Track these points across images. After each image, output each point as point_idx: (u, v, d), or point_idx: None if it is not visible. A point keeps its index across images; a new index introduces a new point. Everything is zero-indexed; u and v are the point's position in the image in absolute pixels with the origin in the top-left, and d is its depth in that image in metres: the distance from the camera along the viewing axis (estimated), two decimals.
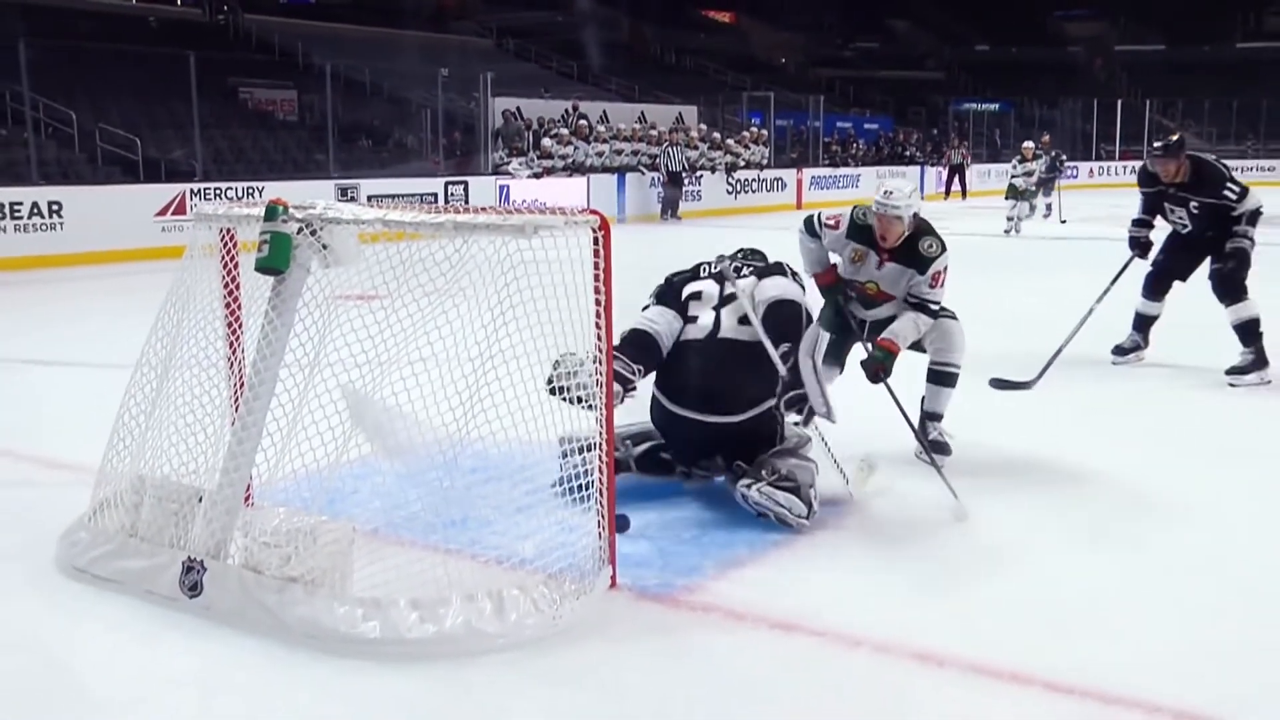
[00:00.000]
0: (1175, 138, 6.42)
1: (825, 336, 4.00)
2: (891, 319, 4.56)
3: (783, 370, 3.94)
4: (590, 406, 3.28)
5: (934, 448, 4.52)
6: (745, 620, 3.14)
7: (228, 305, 3.51)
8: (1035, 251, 14.10)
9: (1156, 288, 6.58)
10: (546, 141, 18.48)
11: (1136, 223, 6.47)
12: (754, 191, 21.52)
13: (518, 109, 20.35)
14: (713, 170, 20.58)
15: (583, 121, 19.90)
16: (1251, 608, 3.28)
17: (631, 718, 2.68)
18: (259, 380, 3.23)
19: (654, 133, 20.50)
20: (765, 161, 22.45)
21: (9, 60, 13.51)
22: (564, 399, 3.38)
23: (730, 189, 20.95)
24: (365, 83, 21.15)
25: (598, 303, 3.15)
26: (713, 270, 4.25)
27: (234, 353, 3.51)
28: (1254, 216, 6.14)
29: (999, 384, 5.51)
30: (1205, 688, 2.75)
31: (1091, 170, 30.24)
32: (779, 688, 2.79)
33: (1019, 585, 3.42)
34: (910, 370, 4.69)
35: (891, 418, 4.42)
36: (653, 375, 4.06)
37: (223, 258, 3.53)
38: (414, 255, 3.21)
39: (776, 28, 42.36)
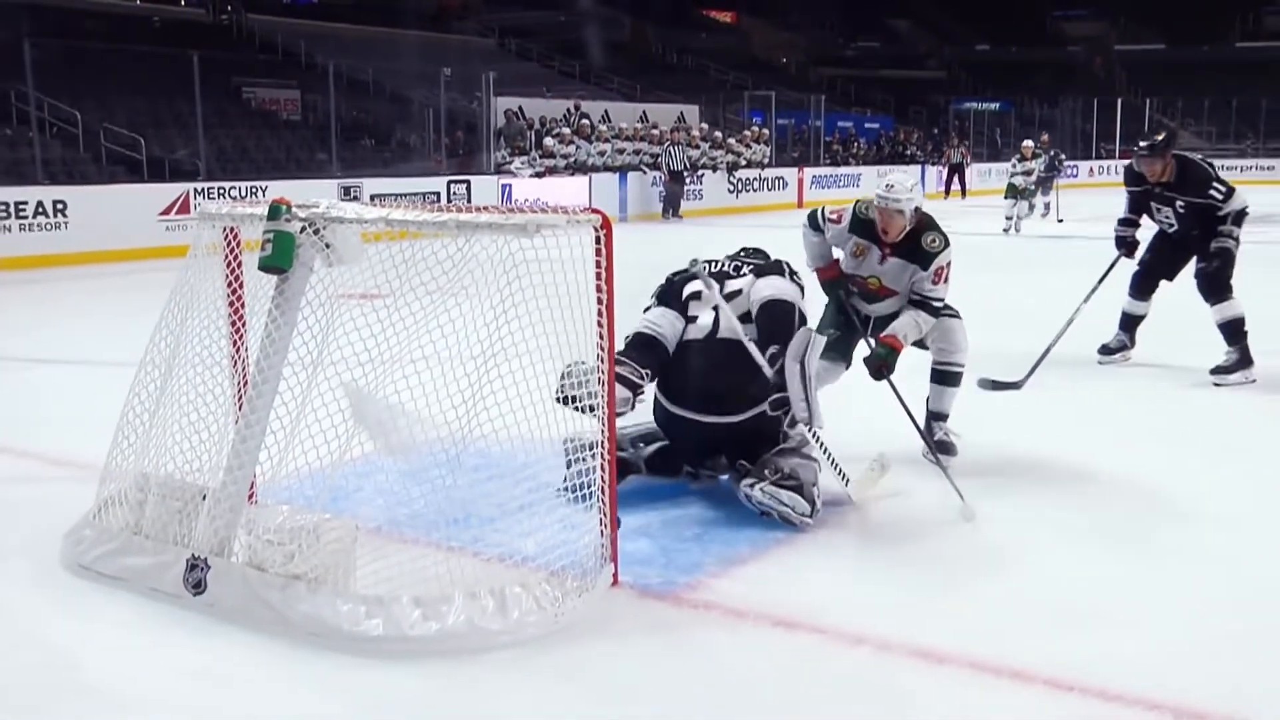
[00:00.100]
0: (1160, 137, 6.40)
1: (819, 341, 3.94)
2: (895, 315, 4.52)
3: (769, 372, 3.90)
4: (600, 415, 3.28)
5: (940, 448, 4.48)
6: (747, 618, 3.15)
7: (231, 304, 3.52)
8: (1035, 250, 14.09)
9: (1143, 287, 6.57)
10: (549, 141, 18.51)
11: (1123, 222, 6.46)
12: (755, 190, 21.54)
13: (520, 108, 20.40)
14: (714, 169, 20.59)
15: (585, 121, 19.93)
16: (1253, 605, 3.28)
17: (633, 715, 2.68)
18: (262, 378, 3.24)
19: (656, 132, 20.54)
20: (766, 160, 22.46)
21: (14, 60, 13.56)
22: (575, 408, 3.38)
23: (732, 188, 20.96)
24: (368, 82, 21.20)
25: (600, 301, 3.17)
26: (711, 270, 4.24)
27: (237, 351, 3.52)
28: (1239, 216, 6.13)
29: (987, 384, 5.48)
30: (1206, 685, 2.75)
31: (1091, 169, 30.23)
32: (780, 685, 2.80)
33: (1020, 583, 3.43)
34: (915, 369, 4.70)
35: (898, 416, 4.42)
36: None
37: (226, 257, 3.54)
38: (416, 254, 3.22)
39: (778, 27, 42.36)
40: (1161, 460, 4.71)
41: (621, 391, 3.76)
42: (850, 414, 4.49)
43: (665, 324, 4.11)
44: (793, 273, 4.28)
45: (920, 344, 4.62)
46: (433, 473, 3.26)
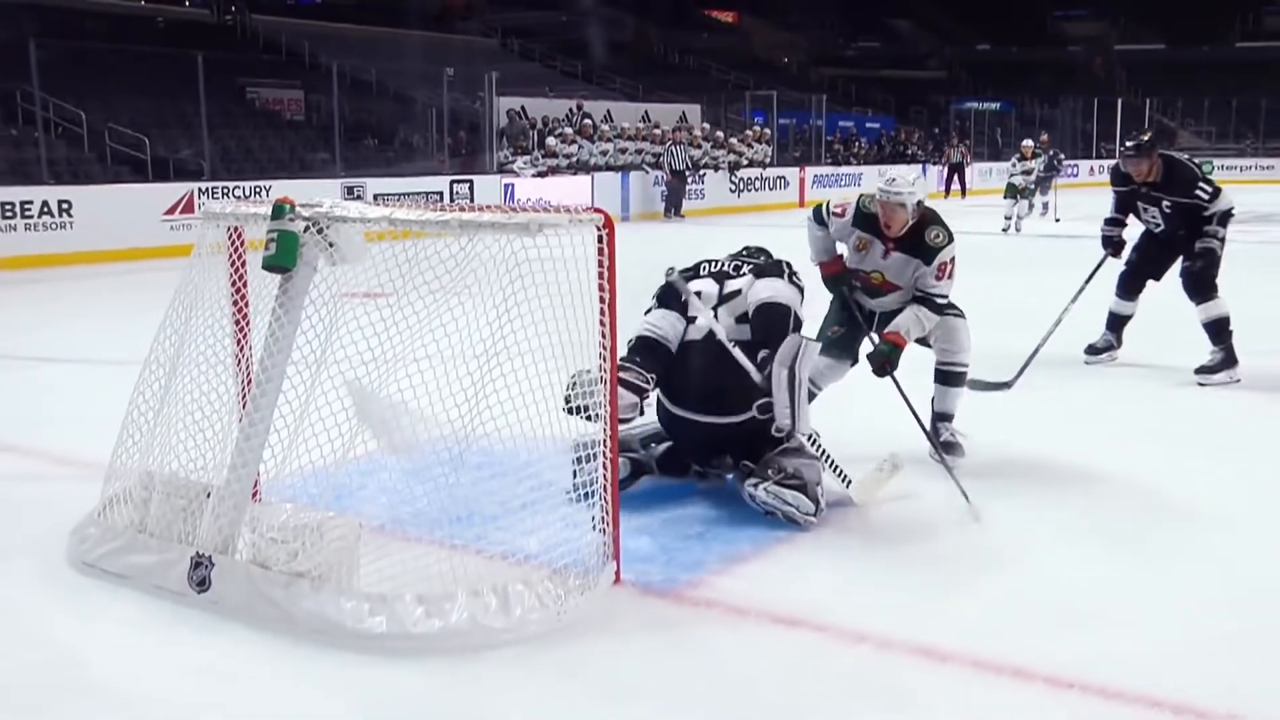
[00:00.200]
0: (1146, 137, 6.40)
1: (812, 348, 3.92)
2: (900, 310, 4.50)
3: (756, 376, 3.89)
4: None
5: (945, 448, 4.47)
6: (748, 616, 3.16)
7: (235, 303, 3.54)
8: (1034, 250, 14.08)
9: (1130, 287, 6.57)
10: (551, 140, 18.52)
11: (1109, 222, 6.46)
12: (757, 190, 21.56)
13: (522, 108, 20.43)
14: (716, 169, 20.61)
15: (587, 120, 19.95)
16: (1249, 604, 3.29)
17: (635, 712, 2.69)
18: (266, 377, 3.25)
19: (658, 131, 20.55)
20: (768, 160, 22.47)
21: (19, 60, 13.58)
22: (584, 417, 3.38)
23: (733, 187, 20.98)
24: (371, 82, 21.22)
25: (602, 300, 3.18)
26: (712, 270, 4.24)
27: (241, 350, 3.54)
28: (1225, 217, 6.13)
29: (976, 385, 5.45)
30: (1206, 683, 2.76)
31: (1092, 169, 30.20)
32: (782, 683, 2.81)
33: (1021, 582, 3.44)
34: (918, 367, 4.70)
35: (901, 415, 4.43)
36: None
37: (230, 256, 3.55)
38: (419, 253, 3.23)
39: (779, 27, 42.36)
40: (1158, 460, 4.72)
41: (629, 397, 3.76)
42: (852, 413, 4.50)
43: (666, 325, 4.11)
44: (793, 274, 4.25)
45: (924, 342, 4.62)
46: (436, 471, 3.27)
